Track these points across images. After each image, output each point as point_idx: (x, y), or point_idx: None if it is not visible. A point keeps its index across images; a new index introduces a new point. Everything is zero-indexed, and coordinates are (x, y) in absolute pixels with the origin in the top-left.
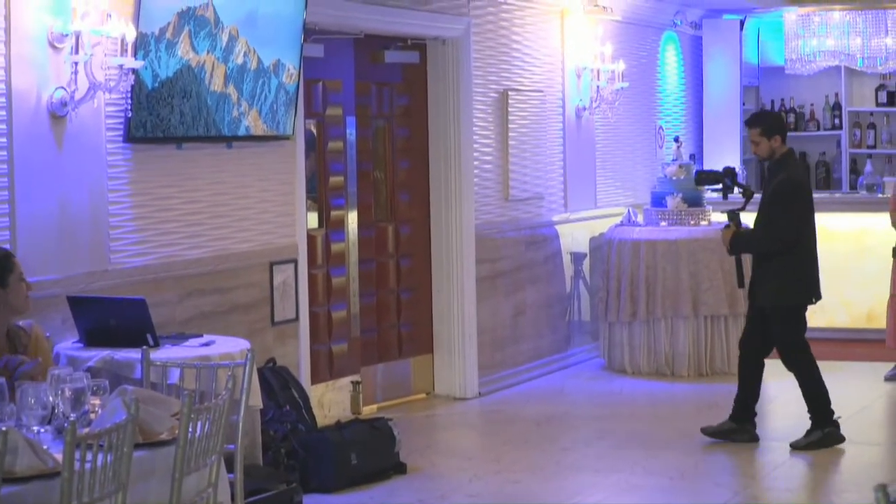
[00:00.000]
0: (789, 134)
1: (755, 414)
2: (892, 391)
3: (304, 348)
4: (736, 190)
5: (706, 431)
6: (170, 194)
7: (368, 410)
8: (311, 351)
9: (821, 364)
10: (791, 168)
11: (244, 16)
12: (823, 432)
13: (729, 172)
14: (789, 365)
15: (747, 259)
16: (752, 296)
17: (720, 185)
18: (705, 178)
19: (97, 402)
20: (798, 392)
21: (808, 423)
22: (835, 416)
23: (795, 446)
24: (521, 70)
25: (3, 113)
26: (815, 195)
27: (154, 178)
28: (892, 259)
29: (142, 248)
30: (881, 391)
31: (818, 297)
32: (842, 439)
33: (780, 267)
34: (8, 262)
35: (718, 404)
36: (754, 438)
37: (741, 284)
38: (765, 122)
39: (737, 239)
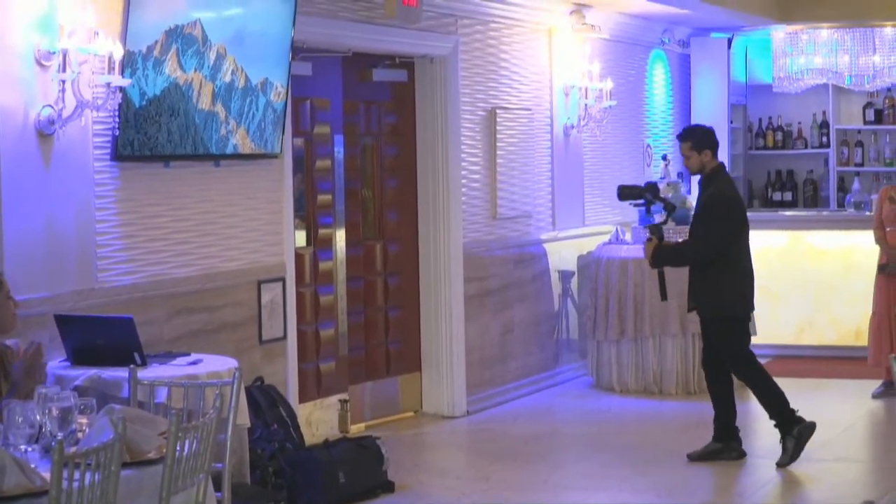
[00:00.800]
0: (777, 152)
1: (738, 430)
2: (878, 409)
3: (292, 367)
4: (658, 204)
5: (692, 457)
6: (157, 213)
7: (356, 429)
8: (299, 369)
9: (808, 382)
10: (720, 183)
11: (232, 34)
12: (794, 436)
13: (650, 187)
14: (738, 376)
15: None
16: (697, 311)
17: (643, 200)
18: (627, 193)
19: (84, 420)
20: None
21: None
22: (797, 413)
23: (781, 464)
24: (509, 88)
25: None
26: (802, 213)
27: (141, 197)
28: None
29: (129, 266)
30: (867, 409)
31: (751, 310)
32: (813, 426)
33: (714, 280)
34: None
35: (706, 422)
36: (741, 455)
37: (664, 297)
38: (695, 136)
39: (659, 252)
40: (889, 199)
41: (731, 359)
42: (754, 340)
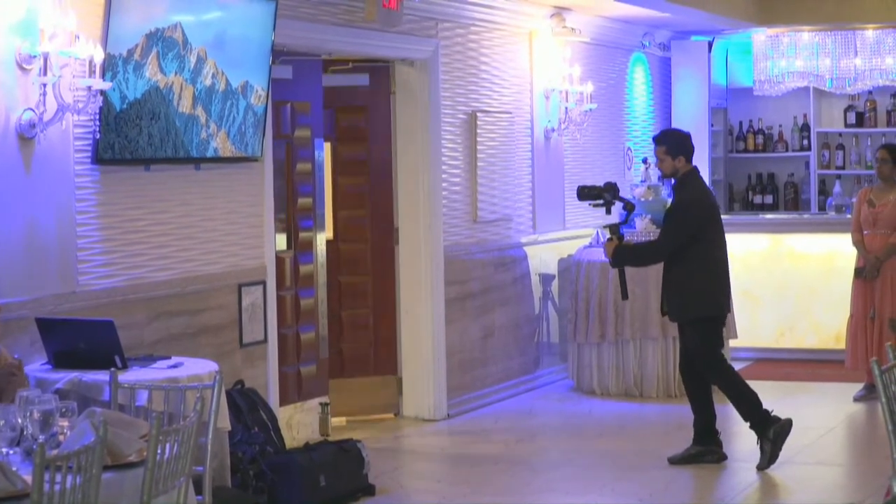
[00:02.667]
0: (758, 155)
1: (718, 433)
2: (858, 412)
3: (273, 370)
4: (617, 204)
5: (673, 460)
6: (138, 216)
7: (337, 422)
8: (280, 372)
9: (789, 385)
10: (690, 188)
11: (212, 37)
12: (770, 438)
13: (610, 187)
14: (710, 379)
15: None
16: (668, 315)
17: (602, 200)
18: (587, 193)
19: (65, 424)
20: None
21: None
22: (772, 413)
23: (761, 467)
24: (489, 91)
25: None
26: (783, 216)
27: (122, 200)
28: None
29: (110, 270)
30: (848, 412)
31: (724, 310)
32: (789, 424)
33: (680, 282)
34: None
35: (687, 425)
36: (722, 458)
37: (625, 296)
38: (670, 141)
39: (618, 251)
40: (867, 201)
41: (701, 361)
42: (735, 343)
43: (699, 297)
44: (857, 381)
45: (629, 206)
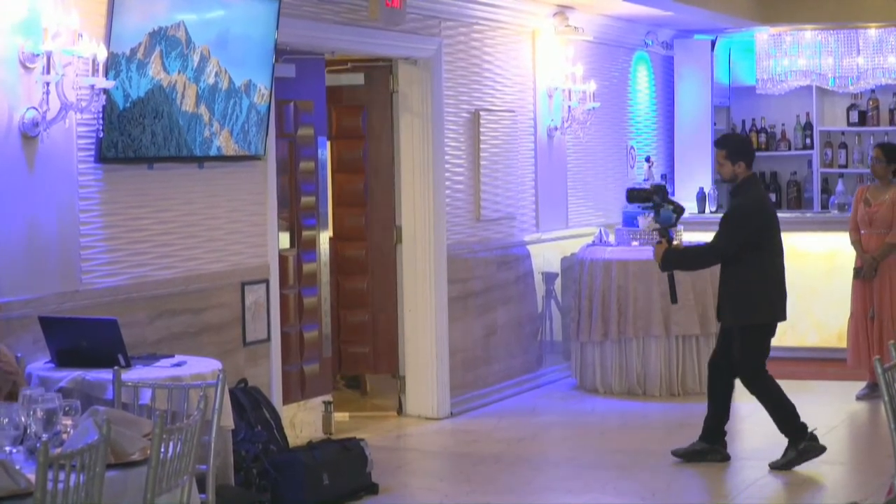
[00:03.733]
0: (761, 154)
1: (725, 433)
2: (860, 410)
3: (276, 368)
4: (666, 207)
5: (677, 453)
6: (141, 215)
7: (339, 417)
8: (283, 371)
9: (791, 383)
10: (748, 194)
11: (215, 36)
12: (798, 449)
13: (658, 190)
14: (748, 388)
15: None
16: (718, 315)
17: (651, 203)
18: (636, 195)
19: (69, 422)
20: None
21: (779, 441)
22: (810, 430)
23: (774, 466)
24: (492, 90)
25: None
26: (786, 215)
27: (125, 199)
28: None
29: (113, 268)
30: (850, 410)
31: (779, 317)
32: (822, 449)
33: (732, 288)
34: None
35: (690, 424)
36: (726, 458)
37: (674, 300)
38: (731, 145)
39: (668, 255)
40: (863, 201)
41: (742, 370)
42: None
43: (749, 304)
44: (858, 379)
45: (678, 209)
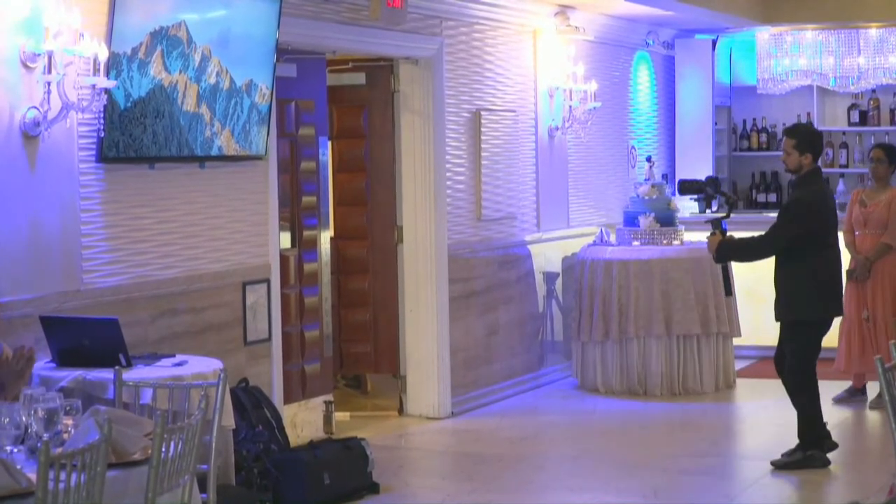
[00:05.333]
0: (761, 154)
1: (829, 434)
2: (862, 409)
3: (277, 368)
4: (718, 198)
5: (777, 464)
6: (142, 214)
7: (340, 416)
8: (284, 371)
9: None
10: (811, 187)
11: (217, 36)
12: (805, 454)
13: (711, 181)
14: (788, 380)
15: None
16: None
17: (703, 194)
18: (688, 186)
19: (70, 422)
20: (776, 411)
21: (781, 441)
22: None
23: (776, 464)
24: (493, 90)
25: None
26: None
27: (126, 198)
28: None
29: (114, 268)
30: (852, 410)
31: (832, 314)
32: (827, 462)
33: (785, 282)
34: None
35: (691, 423)
36: (826, 463)
37: (729, 293)
38: (802, 136)
39: (723, 246)
40: (859, 202)
41: (791, 364)
42: (739, 341)
43: (800, 300)
44: (842, 379)
45: (731, 200)
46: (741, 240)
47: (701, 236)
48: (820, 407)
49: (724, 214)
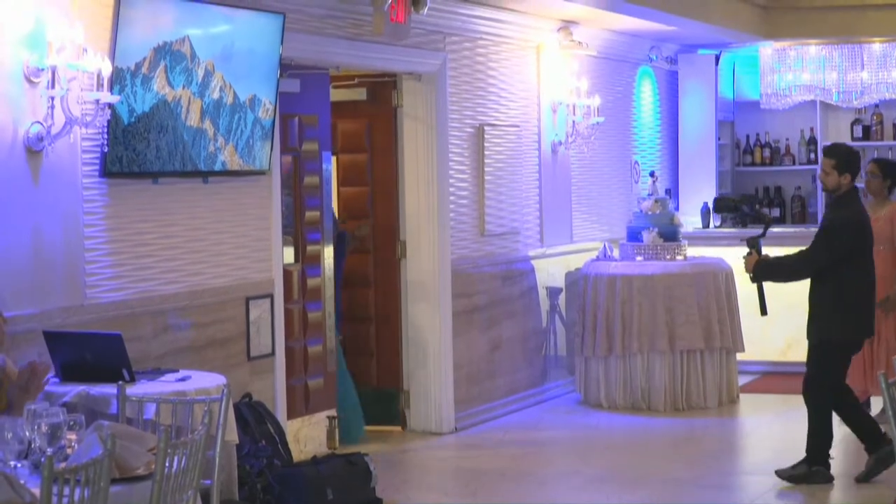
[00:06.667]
0: (765, 168)
1: (890, 442)
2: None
3: (280, 383)
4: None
5: (781, 475)
6: (146, 229)
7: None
8: (287, 386)
9: (796, 398)
10: (850, 207)
11: (220, 51)
12: (811, 469)
13: (747, 199)
14: (809, 398)
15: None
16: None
17: (739, 212)
18: (723, 204)
19: (73, 437)
20: (778, 426)
21: (784, 456)
22: (830, 459)
23: (780, 475)
24: (496, 105)
25: None
26: (790, 229)
27: (130, 213)
28: None
29: (118, 283)
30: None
31: (863, 335)
32: (829, 479)
33: (816, 302)
34: None
35: (695, 438)
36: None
37: (764, 312)
38: (842, 157)
39: (759, 266)
40: None
41: (814, 381)
42: (743, 357)
43: (829, 321)
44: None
45: (767, 219)
46: (778, 259)
47: (704, 251)
48: (832, 427)
49: (760, 233)
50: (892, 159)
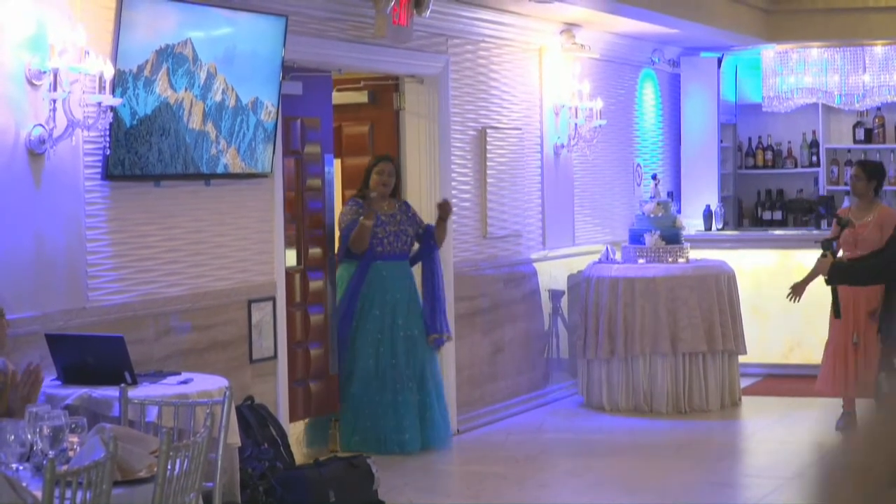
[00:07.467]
0: (767, 171)
1: None
2: None
3: (283, 386)
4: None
5: None
6: (148, 232)
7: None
8: (290, 388)
9: (799, 401)
10: None
11: (222, 53)
12: None
13: (822, 201)
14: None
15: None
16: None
17: (813, 214)
18: (796, 206)
19: (75, 439)
20: (781, 429)
21: (787, 458)
22: None
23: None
24: (499, 108)
25: None
26: (793, 232)
27: (132, 216)
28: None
29: (120, 285)
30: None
31: None
32: None
33: (890, 306)
34: None
35: (697, 441)
36: None
37: (838, 315)
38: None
39: (835, 268)
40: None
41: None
42: (744, 359)
43: None
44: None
45: (843, 222)
46: (853, 262)
47: (706, 254)
48: None
49: (834, 236)
50: (876, 161)
